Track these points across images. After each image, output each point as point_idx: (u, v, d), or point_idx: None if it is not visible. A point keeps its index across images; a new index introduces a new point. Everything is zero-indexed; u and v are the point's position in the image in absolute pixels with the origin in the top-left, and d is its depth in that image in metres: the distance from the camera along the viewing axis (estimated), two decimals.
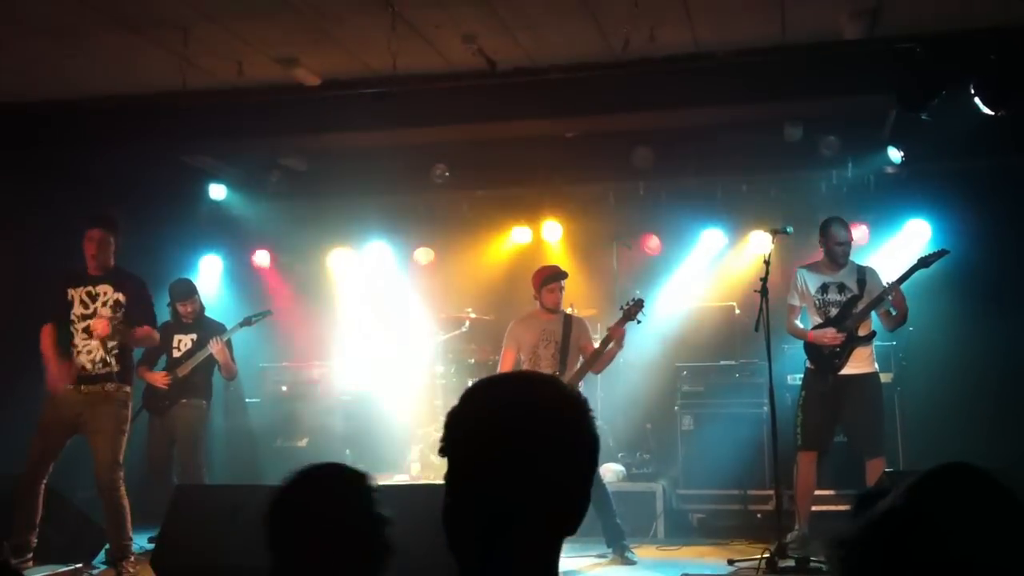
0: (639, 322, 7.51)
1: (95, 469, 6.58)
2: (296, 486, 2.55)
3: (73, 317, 6.74)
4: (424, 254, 10.81)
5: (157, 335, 7.18)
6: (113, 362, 6.72)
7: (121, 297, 6.75)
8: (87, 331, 6.70)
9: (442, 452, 1.69)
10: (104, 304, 6.73)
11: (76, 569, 6.88)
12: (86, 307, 6.75)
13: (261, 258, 10.97)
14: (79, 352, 6.71)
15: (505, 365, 7.67)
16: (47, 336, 6.73)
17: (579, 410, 1.70)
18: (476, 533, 1.61)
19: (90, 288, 6.77)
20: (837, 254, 7.32)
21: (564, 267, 7.90)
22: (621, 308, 7.52)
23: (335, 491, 2.55)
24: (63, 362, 6.66)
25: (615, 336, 7.39)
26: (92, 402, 6.66)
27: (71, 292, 6.76)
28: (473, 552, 1.62)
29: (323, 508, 2.50)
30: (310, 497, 2.52)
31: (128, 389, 6.81)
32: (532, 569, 1.63)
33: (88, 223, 6.80)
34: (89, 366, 6.70)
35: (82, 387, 6.70)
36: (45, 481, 6.69)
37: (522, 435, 1.63)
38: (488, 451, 1.63)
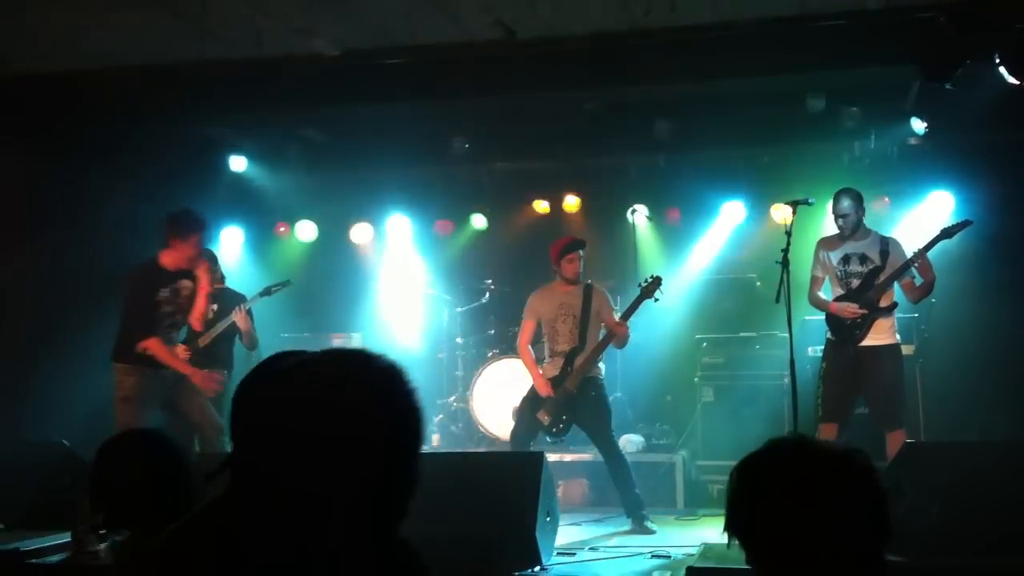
0: (656, 300, 7.45)
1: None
2: None
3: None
4: (444, 226, 10.81)
5: None
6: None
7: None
8: None
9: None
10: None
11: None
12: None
13: (282, 229, 10.98)
14: None
15: (524, 336, 7.63)
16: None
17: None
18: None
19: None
20: (839, 225, 7.27)
21: (584, 240, 7.84)
22: (639, 285, 7.48)
23: None
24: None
25: (618, 333, 7.33)
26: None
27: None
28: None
29: None
30: None
31: (121, 364, 6.83)
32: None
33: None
34: None
35: None
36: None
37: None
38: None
